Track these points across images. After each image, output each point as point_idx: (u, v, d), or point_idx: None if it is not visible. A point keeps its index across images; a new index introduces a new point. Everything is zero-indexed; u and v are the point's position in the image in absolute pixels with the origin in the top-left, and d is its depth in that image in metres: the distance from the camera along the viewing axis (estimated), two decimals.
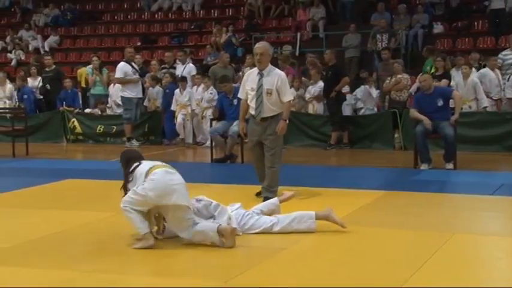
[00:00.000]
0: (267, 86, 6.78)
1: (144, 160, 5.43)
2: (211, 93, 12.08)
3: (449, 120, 8.90)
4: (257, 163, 7.04)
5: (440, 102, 9.00)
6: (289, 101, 7.08)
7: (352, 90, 12.87)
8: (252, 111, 6.92)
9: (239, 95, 7.38)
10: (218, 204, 5.43)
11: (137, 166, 5.27)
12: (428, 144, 9.07)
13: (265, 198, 6.69)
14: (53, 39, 19.31)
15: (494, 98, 11.37)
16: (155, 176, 5.08)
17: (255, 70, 7.00)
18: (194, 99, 12.34)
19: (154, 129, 12.76)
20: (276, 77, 6.84)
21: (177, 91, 12.33)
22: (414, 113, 9.18)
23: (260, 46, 7.03)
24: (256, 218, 5.49)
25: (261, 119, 6.84)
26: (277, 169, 6.88)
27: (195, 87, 12.72)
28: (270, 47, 7.21)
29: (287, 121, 7.01)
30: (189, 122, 12.35)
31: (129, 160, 5.44)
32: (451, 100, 9.23)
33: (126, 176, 5.31)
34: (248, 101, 6.96)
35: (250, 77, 7.00)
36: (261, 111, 6.81)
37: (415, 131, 9.10)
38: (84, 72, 14.46)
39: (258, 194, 6.95)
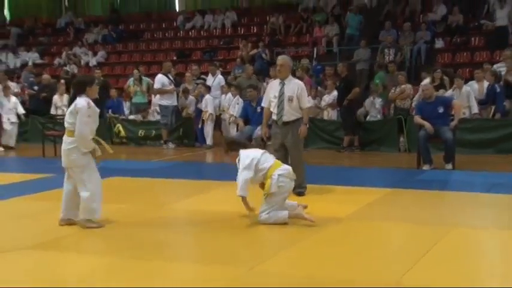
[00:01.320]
0: (288, 93, 6.81)
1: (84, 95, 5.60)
2: (237, 104, 12.08)
3: (449, 126, 8.84)
4: None
5: (441, 110, 8.94)
6: (309, 107, 7.10)
7: (363, 99, 12.81)
8: (275, 117, 6.94)
9: (262, 104, 7.38)
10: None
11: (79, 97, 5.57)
12: (430, 147, 9.00)
13: (299, 194, 6.76)
14: (101, 54, 19.53)
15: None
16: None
17: (277, 80, 7.03)
18: (211, 105, 12.25)
19: (187, 133, 12.82)
20: (296, 85, 6.88)
21: None
22: (417, 119, 9.12)
23: (280, 58, 7.10)
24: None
25: (282, 123, 6.86)
26: (303, 167, 6.91)
27: (223, 95, 12.77)
28: (290, 60, 7.22)
29: (307, 125, 7.01)
30: (208, 125, 12.32)
31: (82, 84, 5.69)
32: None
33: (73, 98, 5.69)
34: (271, 108, 6.98)
35: (272, 87, 7.06)
36: (283, 116, 6.84)
37: (418, 135, 9.05)
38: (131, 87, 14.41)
39: None
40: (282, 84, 6.88)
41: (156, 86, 12.43)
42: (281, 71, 6.90)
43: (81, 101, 5.55)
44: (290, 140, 6.84)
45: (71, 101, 5.68)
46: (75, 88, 5.72)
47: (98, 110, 5.69)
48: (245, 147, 5.78)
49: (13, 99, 13.16)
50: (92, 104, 5.60)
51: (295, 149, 6.88)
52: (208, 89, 12.66)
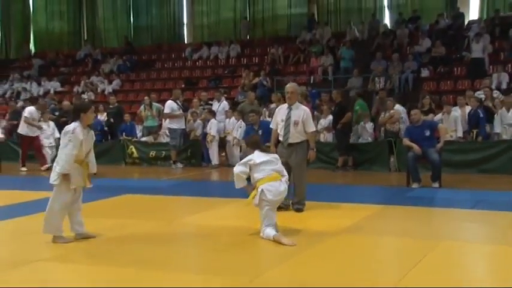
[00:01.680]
0: (294, 118, 6.78)
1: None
2: (240, 127, 12.09)
3: (435, 148, 8.81)
4: None
5: (427, 133, 8.90)
6: (313, 131, 7.05)
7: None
8: (281, 138, 6.89)
9: (271, 126, 7.26)
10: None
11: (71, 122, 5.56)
12: (418, 167, 8.94)
13: (297, 210, 6.66)
14: (116, 82, 19.61)
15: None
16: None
17: (285, 105, 6.99)
18: (214, 128, 12.25)
19: (195, 154, 12.79)
20: (302, 111, 6.85)
21: None
22: (406, 141, 9.09)
23: (290, 86, 7.04)
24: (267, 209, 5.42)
25: (287, 145, 6.81)
26: (304, 186, 6.86)
27: (228, 119, 12.76)
28: (298, 87, 7.21)
29: (314, 149, 6.95)
30: (212, 145, 12.28)
31: (77, 111, 5.62)
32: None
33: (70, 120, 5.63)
34: (278, 130, 6.93)
35: (280, 111, 7.00)
36: (288, 138, 6.80)
37: (407, 156, 9.00)
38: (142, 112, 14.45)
39: (279, 209, 6.77)
40: (290, 109, 6.86)
41: (166, 111, 12.44)
42: (291, 97, 6.86)
43: (69, 126, 5.47)
44: (294, 160, 6.79)
45: (63, 124, 5.64)
46: (72, 114, 5.63)
47: (80, 138, 5.38)
48: (261, 150, 5.68)
49: (51, 124, 13.12)
50: (78, 131, 5.38)
51: (298, 168, 6.83)
52: (214, 113, 12.68)
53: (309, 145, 6.94)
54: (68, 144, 5.35)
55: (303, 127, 6.79)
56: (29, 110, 12.61)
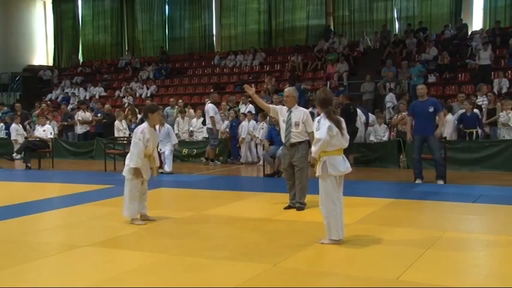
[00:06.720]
0: (295, 119, 6.57)
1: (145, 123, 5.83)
2: (262, 128, 12.08)
3: (434, 135, 8.50)
4: (288, 180, 6.76)
5: (431, 109, 8.52)
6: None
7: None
8: (283, 139, 6.72)
9: (271, 107, 6.94)
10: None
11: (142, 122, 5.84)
12: (422, 166, 8.79)
13: (299, 209, 6.55)
14: (152, 88, 19.81)
15: None
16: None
17: (285, 107, 6.73)
18: (246, 130, 12.22)
19: (222, 152, 12.86)
20: (302, 112, 6.63)
21: None
22: (409, 121, 8.88)
23: (286, 90, 6.85)
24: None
25: (290, 145, 6.61)
26: (304, 185, 6.61)
27: (249, 121, 12.75)
28: (295, 91, 6.84)
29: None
30: (242, 146, 12.27)
31: (146, 111, 5.92)
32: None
33: (140, 121, 5.82)
34: (281, 132, 6.75)
35: (282, 111, 6.71)
36: (290, 138, 6.59)
37: (412, 156, 8.88)
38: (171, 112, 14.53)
39: (286, 208, 6.63)
40: (290, 111, 6.62)
41: (212, 113, 12.04)
42: (287, 101, 6.64)
43: (139, 127, 5.75)
44: (297, 159, 6.57)
45: (140, 123, 5.86)
46: (143, 113, 5.95)
47: (148, 136, 5.65)
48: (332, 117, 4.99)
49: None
50: (146, 131, 5.66)
51: (301, 166, 6.56)
52: (245, 116, 12.58)
53: (310, 145, 6.81)
54: (138, 143, 5.61)
55: (305, 127, 6.56)
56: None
